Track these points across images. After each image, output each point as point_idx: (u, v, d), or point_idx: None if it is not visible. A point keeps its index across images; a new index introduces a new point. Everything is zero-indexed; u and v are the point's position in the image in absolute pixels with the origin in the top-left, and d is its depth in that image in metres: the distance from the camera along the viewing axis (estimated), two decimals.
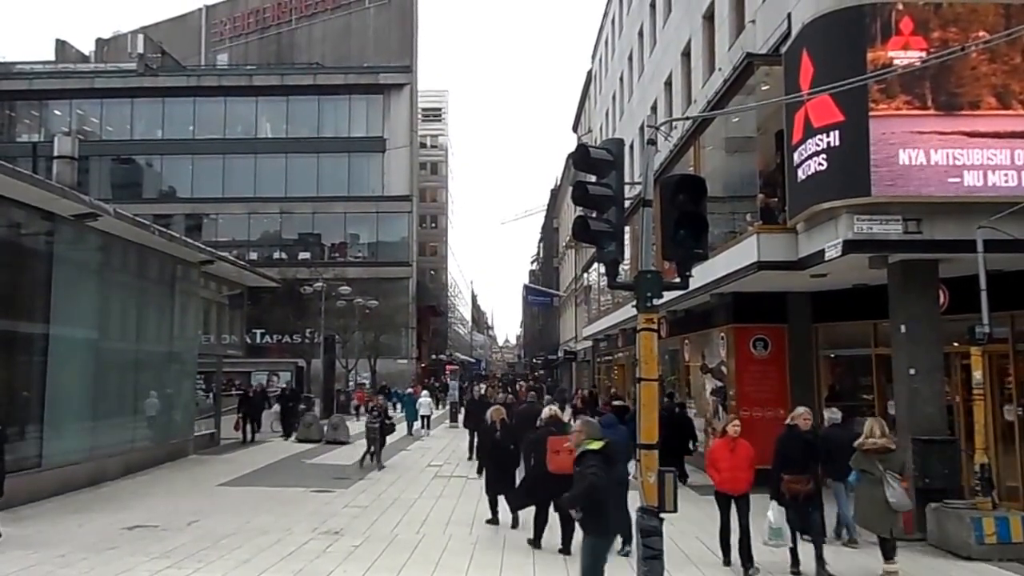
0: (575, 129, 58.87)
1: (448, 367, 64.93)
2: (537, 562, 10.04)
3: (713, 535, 10.17)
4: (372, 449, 19.11)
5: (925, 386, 11.87)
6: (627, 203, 8.69)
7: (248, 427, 25.57)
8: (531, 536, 10.94)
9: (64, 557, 9.94)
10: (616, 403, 15.36)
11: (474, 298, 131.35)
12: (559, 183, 66.78)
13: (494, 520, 12.39)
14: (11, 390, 14.70)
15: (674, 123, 19.61)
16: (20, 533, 11.41)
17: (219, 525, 12.14)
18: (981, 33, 11.12)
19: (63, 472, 15.07)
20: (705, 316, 18.61)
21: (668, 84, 25.20)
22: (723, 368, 17.68)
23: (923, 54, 11.05)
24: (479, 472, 14.11)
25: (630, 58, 32.72)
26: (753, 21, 16.84)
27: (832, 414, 11.96)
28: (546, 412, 12.14)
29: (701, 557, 10.36)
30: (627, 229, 9.04)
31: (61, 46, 66.29)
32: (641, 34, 30.07)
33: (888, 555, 9.26)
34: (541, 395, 25.89)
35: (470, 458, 19.64)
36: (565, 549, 10.33)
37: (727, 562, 9.90)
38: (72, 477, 15.29)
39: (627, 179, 9.68)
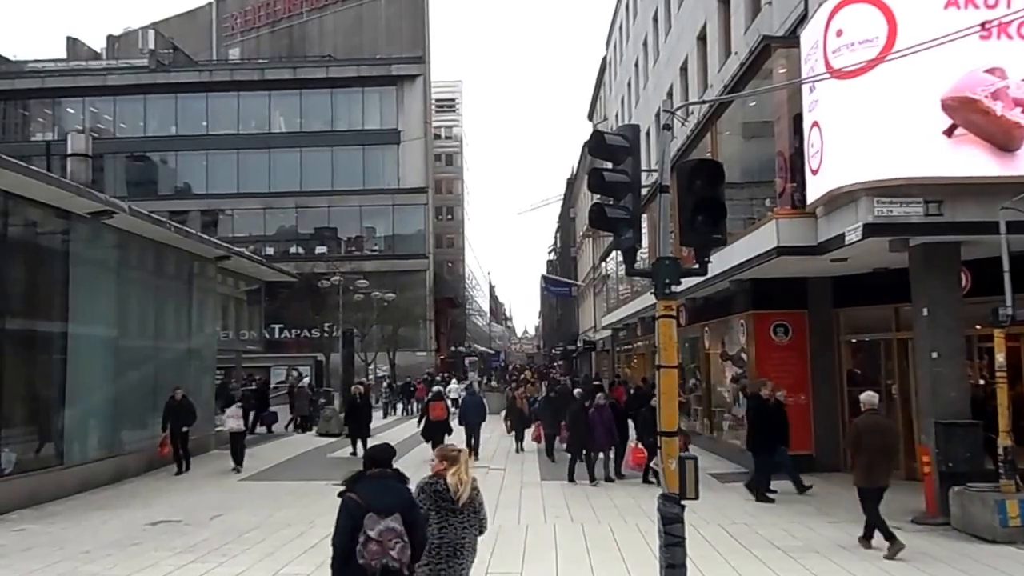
0: (590, 117, 58.62)
1: (467, 358, 65.00)
2: (560, 550, 10.04)
3: (735, 522, 10.03)
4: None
5: (947, 370, 11.70)
6: (644, 190, 8.59)
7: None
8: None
9: (89, 553, 10.02)
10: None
11: (492, 289, 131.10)
12: (575, 172, 66.52)
13: (355, 453, 18.93)
14: (33, 389, 14.80)
15: (690, 109, 19.49)
16: (46, 530, 11.53)
17: (242, 519, 12.19)
18: None
19: (86, 469, 15.21)
20: (725, 303, 18.49)
21: (684, 69, 25.02)
22: (743, 355, 17.58)
23: None
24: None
25: (645, 44, 32.51)
26: (769, 3, 16.68)
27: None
28: (435, 389, 21.35)
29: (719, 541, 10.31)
30: (644, 217, 8.92)
31: (72, 44, 66.46)
32: (656, 19, 29.87)
33: None
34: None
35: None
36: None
37: None
38: (94, 474, 15.42)
39: (643, 166, 9.59)
